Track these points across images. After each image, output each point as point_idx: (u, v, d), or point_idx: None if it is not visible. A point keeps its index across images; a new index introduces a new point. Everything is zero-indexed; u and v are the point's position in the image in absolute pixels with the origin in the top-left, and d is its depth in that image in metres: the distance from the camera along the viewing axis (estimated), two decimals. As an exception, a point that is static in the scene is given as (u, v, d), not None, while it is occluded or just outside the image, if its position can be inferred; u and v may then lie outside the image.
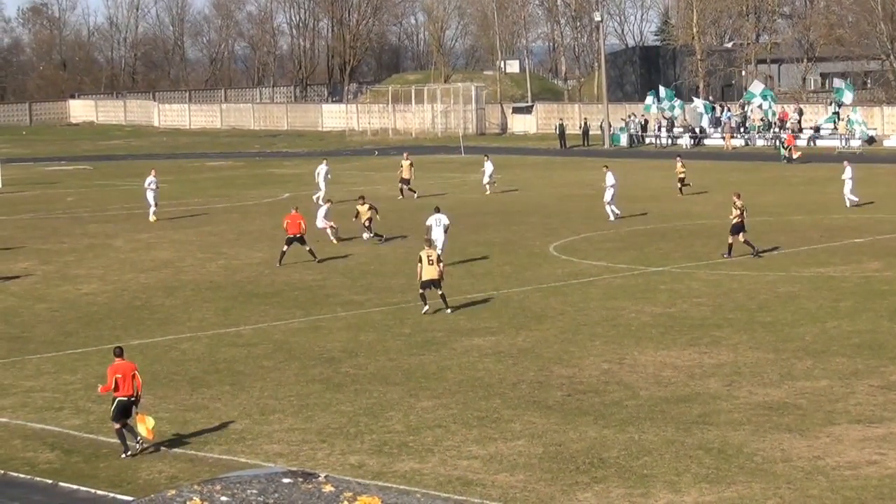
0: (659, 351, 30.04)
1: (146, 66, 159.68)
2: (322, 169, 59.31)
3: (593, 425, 24.38)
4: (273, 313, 35.51)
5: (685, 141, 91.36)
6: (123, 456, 23.29)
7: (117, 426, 23.47)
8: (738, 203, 41.88)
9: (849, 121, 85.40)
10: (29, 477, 22.61)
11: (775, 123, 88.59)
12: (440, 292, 34.57)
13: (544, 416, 25.04)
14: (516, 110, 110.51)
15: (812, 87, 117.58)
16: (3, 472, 22.86)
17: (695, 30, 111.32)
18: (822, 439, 23.26)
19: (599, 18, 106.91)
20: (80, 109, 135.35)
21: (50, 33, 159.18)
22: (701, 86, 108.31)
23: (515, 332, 32.34)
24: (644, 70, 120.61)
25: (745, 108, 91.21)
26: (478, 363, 29.40)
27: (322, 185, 58.48)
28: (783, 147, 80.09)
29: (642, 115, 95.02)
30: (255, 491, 13.32)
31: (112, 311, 36.38)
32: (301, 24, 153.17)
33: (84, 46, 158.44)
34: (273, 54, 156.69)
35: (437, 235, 40.86)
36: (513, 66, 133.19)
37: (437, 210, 42.41)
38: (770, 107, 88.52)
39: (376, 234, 47.15)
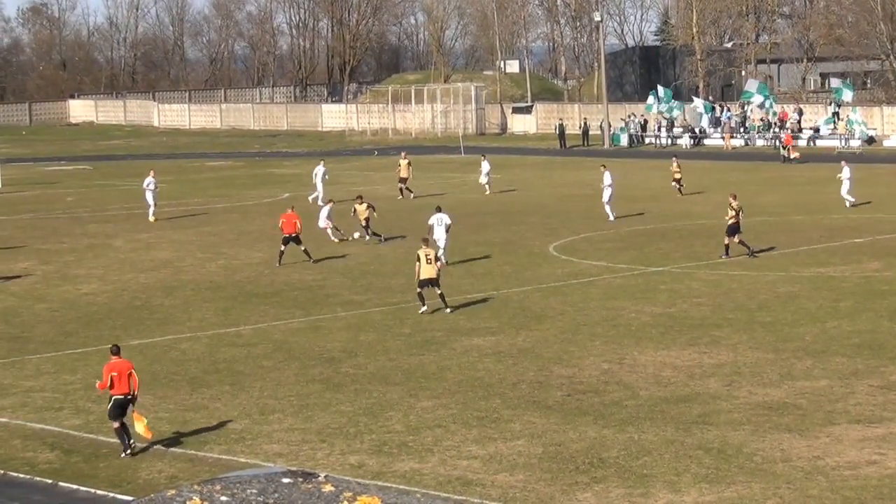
0: (659, 351, 30.03)
1: (146, 66, 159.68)
2: (319, 170, 59.24)
3: (593, 425, 24.38)
4: (273, 313, 35.51)
5: (685, 141, 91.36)
6: (123, 455, 23.30)
7: (116, 425, 23.47)
8: (734, 204, 41.90)
9: (848, 121, 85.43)
10: (29, 477, 22.61)
11: (775, 123, 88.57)
12: (439, 291, 34.56)
13: (544, 416, 25.04)
14: (516, 110, 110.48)
15: (812, 88, 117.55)
16: (3, 472, 22.86)
17: (694, 30, 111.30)
18: (821, 439, 23.26)
19: (599, 18, 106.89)
20: (80, 109, 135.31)
21: (50, 33, 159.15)
22: (701, 86, 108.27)
23: (515, 332, 32.34)
24: (644, 70, 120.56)
25: (745, 108, 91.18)
26: (478, 363, 29.40)
27: (319, 186, 58.40)
28: (782, 147, 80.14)
29: (642, 115, 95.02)
30: (254, 491, 13.34)
31: (112, 311, 36.38)
32: (301, 24, 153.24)
33: (84, 46, 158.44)
34: (273, 54, 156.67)
35: (439, 235, 40.83)
36: (513, 66, 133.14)
37: (439, 209, 42.31)
38: (771, 105, 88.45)
39: (375, 234, 47.15)
